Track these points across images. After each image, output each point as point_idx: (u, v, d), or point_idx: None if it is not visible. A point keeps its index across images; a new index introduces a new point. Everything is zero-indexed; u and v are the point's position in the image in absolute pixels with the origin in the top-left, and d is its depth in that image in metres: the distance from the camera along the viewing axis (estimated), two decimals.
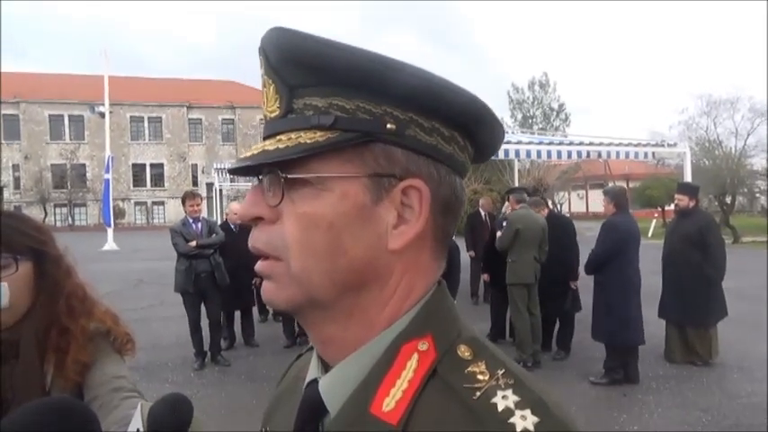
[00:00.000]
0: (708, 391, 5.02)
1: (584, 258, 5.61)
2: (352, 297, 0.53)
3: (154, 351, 6.44)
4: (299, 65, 0.52)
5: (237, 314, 6.92)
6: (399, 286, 0.54)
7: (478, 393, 0.47)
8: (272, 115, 0.55)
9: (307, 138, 0.51)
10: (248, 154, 0.54)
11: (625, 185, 24.53)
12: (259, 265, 0.55)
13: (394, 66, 0.50)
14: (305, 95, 0.53)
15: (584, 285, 6.19)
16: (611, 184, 13.38)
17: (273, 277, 0.54)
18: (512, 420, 0.45)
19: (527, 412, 0.45)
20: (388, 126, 0.51)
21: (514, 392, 0.47)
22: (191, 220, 6.05)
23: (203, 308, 6.07)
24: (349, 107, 0.51)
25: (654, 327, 6.10)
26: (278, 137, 0.54)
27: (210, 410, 4.66)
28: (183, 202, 6.06)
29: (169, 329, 7.43)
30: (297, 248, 0.52)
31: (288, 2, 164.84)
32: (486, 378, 0.48)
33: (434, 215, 0.54)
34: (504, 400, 0.46)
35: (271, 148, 0.52)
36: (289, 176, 0.52)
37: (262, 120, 0.60)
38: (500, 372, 0.49)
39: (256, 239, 0.55)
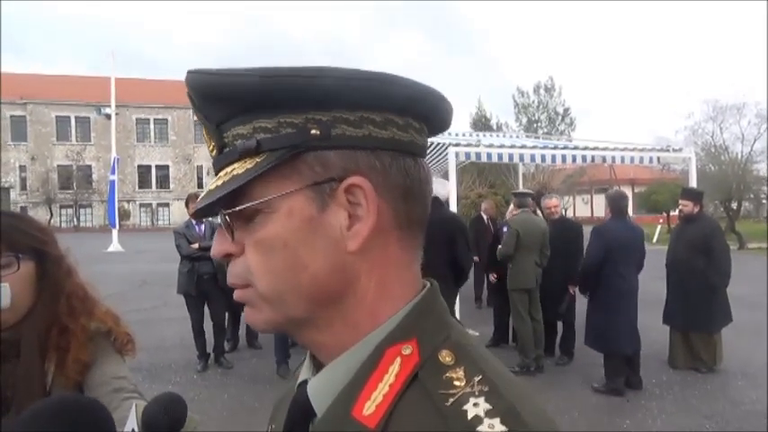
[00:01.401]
0: (711, 397, 4.99)
1: None
2: (329, 307, 0.54)
3: (157, 352, 6.46)
4: (216, 100, 0.53)
5: (241, 316, 6.93)
6: (372, 284, 0.54)
7: (452, 400, 0.47)
8: (213, 154, 0.57)
9: (239, 168, 0.52)
10: (200, 197, 0.56)
11: (630, 190, 24.46)
12: (235, 295, 0.56)
13: (297, 72, 0.50)
14: (231, 127, 0.54)
15: None
16: (613, 189, 13.33)
17: (249, 303, 0.56)
18: (479, 429, 0.44)
19: (496, 421, 0.45)
20: (312, 132, 0.51)
21: (487, 400, 0.46)
22: (194, 223, 6.07)
23: (207, 310, 6.09)
24: (272, 126, 0.51)
25: (657, 333, 6.08)
26: (219, 174, 0.55)
27: (213, 412, 4.67)
28: (187, 205, 6.06)
29: (173, 331, 7.44)
30: (260, 273, 0.53)
31: (293, 2, 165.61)
32: (462, 384, 0.48)
33: (391, 204, 0.54)
34: (476, 407, 0.46)
35: (212, 187, 0.54)
36: (227, 211, 0.53)
37: None
38: (476, 378, 0.49)
39: (230, 275, 0.56)
